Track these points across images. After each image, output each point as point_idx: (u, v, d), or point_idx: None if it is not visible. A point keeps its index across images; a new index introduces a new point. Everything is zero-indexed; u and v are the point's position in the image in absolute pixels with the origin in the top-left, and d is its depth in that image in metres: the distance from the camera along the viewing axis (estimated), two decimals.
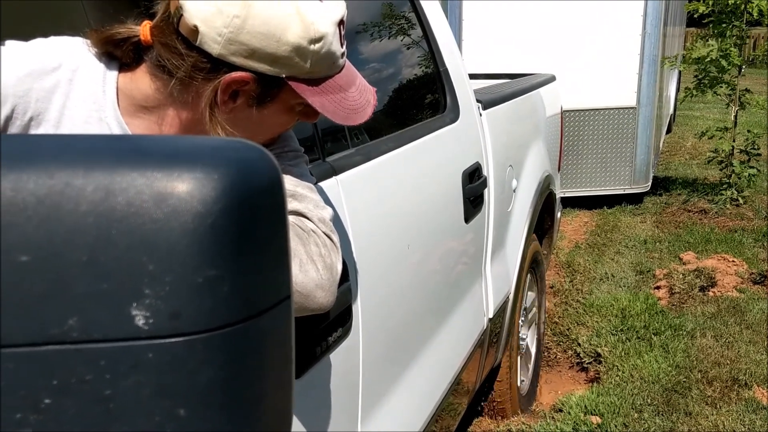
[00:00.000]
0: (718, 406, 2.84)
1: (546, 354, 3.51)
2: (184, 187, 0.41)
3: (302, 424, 1.11)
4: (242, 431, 0.44)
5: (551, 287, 4.19)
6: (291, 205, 0.97)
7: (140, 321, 0.40)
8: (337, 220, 1.27)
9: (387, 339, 1.51)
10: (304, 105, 1.00)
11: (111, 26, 0.93)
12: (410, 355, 1.67)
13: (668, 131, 9.19)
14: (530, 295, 3.09)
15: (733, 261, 4.30)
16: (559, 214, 3.71)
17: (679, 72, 9.67)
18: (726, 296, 3.88)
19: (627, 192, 5.77)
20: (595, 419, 2.77)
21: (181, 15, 0.89)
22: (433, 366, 1.80)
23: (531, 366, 3.15)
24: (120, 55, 0.94)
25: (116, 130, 0.94)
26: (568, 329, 3.66)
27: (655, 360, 3.20)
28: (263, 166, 0.45)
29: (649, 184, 5.84)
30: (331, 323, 1.19)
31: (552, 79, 3.65)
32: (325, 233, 0.98)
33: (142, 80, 0.95)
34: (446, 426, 2.00)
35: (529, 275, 2.98)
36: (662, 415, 2.79)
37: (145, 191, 0.40)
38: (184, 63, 0.90)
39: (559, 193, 3.72)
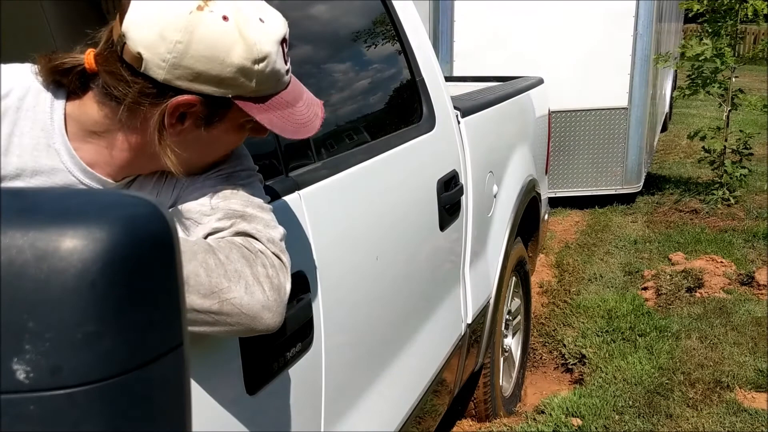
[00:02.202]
0: (699, 408, 2.85)
1: (532, 355, 3.53)
2: (65, 245, 0.42)
3: None
4: None
5: (540, 287, 4.21)
6: (239, 226, 0.99)
7: (21, 375, 0.42)
8: (298, 237, 1.28)
9: (352, 352, 1.53)
10: (253, 122, 1.01)
11: (56, 55, 0.94)
12: (379, 368, 1.68)
13: (664, 129, 9.19)
14: (515, 298, 3.10)
15: (722, 262, 4.31)
16: (546, 217, 3.72)
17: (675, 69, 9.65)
18: (713, 297, 3.89)
19: (619, 192, 5.78)
20: (576, 421, 2.78)
21: (125, 43, 0.91)
22: (405, 376, 1.82)
23: (515, 368, 3.16)
24: (67, 83, 0.96)
25: (65, 157, 0.96)
26: (554, 330, 3.68)
27: (639, 361, 3.22)
28: (152, 222, 0.46)
29: (641, 184, 5.85)
30: (289, 338, 1.20)
31: (539, 82, 3.65)
32: (274, 253, 0.99)
33: (90, 107, 0.96)
34: (425, 430, 2.02)
35: (513, 278, 3.00)
36: (643, 417, 2.81)
37: (27, 250, 0.42)
38: (130, 90, 0.92)
39: (546, 195, 3.72)
